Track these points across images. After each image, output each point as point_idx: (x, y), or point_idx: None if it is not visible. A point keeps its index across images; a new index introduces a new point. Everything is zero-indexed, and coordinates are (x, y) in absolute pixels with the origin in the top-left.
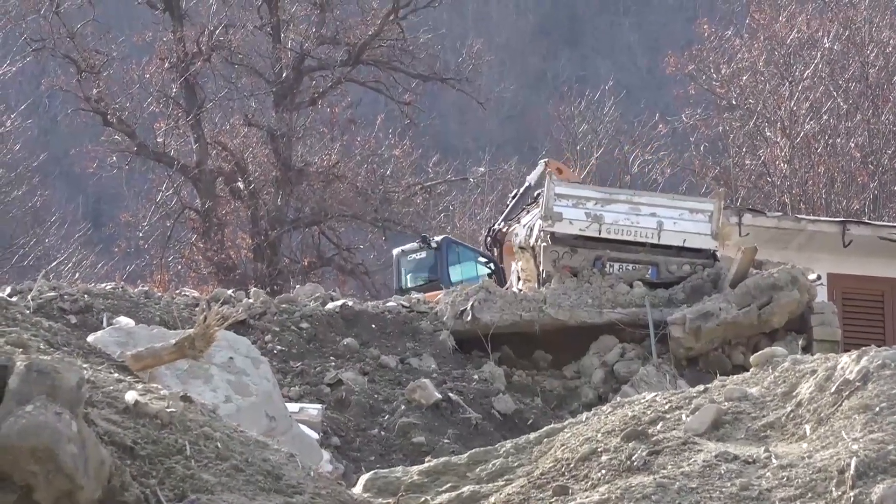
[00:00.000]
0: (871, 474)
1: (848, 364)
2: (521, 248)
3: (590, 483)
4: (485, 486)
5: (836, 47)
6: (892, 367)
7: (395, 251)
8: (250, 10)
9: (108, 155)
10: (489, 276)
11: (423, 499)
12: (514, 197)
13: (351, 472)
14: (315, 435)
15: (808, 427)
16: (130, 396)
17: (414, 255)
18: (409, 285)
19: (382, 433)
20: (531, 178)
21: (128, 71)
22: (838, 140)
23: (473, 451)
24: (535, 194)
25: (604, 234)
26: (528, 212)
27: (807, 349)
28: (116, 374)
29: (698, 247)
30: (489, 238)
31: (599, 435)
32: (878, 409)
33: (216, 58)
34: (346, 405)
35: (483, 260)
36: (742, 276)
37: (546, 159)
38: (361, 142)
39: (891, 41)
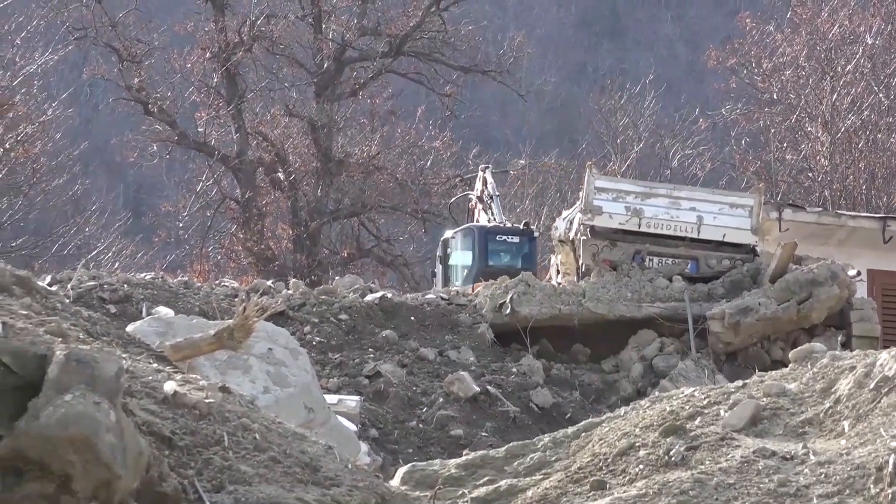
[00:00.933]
0: None
1: (887, 361)
2: (560, 241)
3: (627, 478)
4: (522, 479)
5: (878, 42)
6: None
7: (475, 226)
8: (292, 0)
9: (149, 144)
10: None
11: (460, 492)
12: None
13: (389, 464)
14: (353, 427)
15: (846, 424)
16: (169, 387)
17: (505, 237)
18: (495, 264)
19: (420, 426)
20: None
21: (169, 60)
22: (879, 136)
23: (511, 444)
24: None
25: (643, 229)
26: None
27: (846, 345)
28: (155, 365)
29: (738, 242)
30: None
31: (637, 430)
32: None
33: (257, 48)
34: (384, 397)
35: None
36: (782, 271)
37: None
38: (402, 133)
39: None
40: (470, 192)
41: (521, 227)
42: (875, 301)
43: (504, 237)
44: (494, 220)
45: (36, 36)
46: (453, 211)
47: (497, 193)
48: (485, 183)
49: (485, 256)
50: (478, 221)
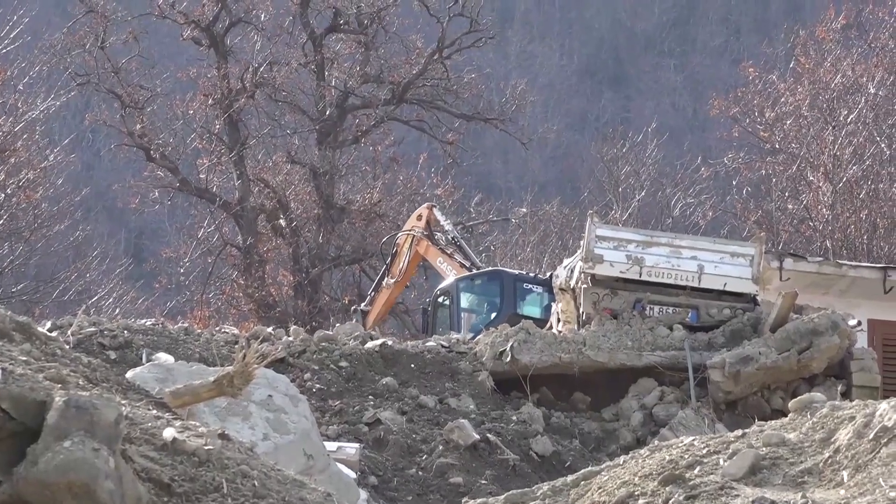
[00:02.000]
0: None
1: (887, 411)
2: (561, 289)
3: None
4: None
5: (880, 93)
6: None
7: (502, 272)
8: (294, 47)
9: (151, 190)
10: None
11: None
12: None
13: None
14: (353, 474)
15: (845, 474)
16: (168, 433)
17: (531, 287)
18: (522, 312)
19: (420, 473)
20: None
21: (171, 106)
22: (881, 185)
23: (511, 492)
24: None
25: (644, 277)
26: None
27: (846, 395)
28: (155, 411)
29: (739, 291)
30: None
31: (637, 478)
32: None
33: (260, 95)
34: (384, 444)
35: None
36: (782, 320)
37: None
38: (403, 180)
39: None
40: (401, 234)
41: (544, 277)
42: (875, 351)
43: (531, 286)
44: (466, 264)
45: (38, 81)
46: (384, 250)
47: (456, 234)
48: (434, 224)
49: (513, 303)
50: (442, 266)
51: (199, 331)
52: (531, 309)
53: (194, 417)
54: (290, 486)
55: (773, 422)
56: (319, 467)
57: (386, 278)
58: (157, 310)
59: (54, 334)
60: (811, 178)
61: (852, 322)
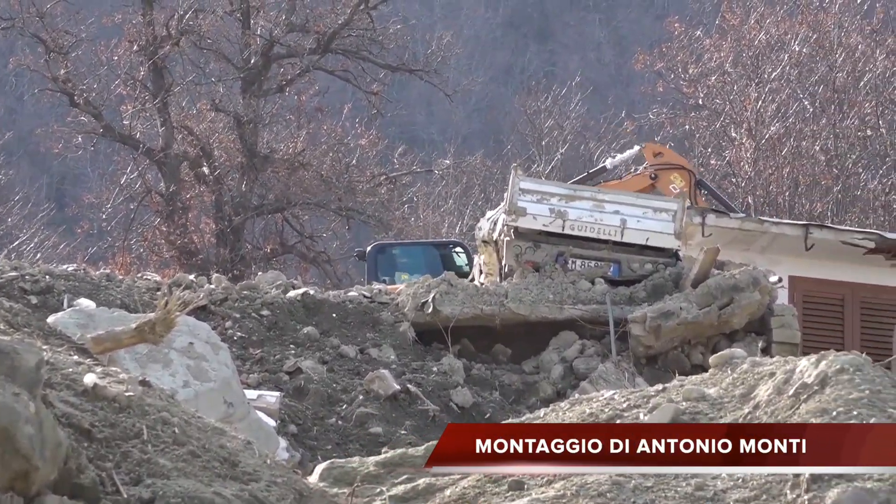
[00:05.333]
0: (826, 478)
1: (807, 367)
2: (484, 241)
3: (546, 479)
4: (441, 479)
5: (804, 50)
6: (850, 372)
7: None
8: None
9: (74, 136)
10: None
11: (378, 490)
12: (582, 176)
13: (307, 460)
14: (272, 423)
15: None
16: (89, 379)
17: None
18: None
19: (340, 423)
20: (612, 162)
21: (96, 52)
22: (803, 143)
23: (430, 443)
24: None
25: (567, 231)
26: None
27: (766, 351)
28: (76, 357)
29: (661, 246)
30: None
31: None
32: (835, 413)
33: (185, 42)
34: (304, 394)
35: None
36: (704, 276)
37: (644, 144)
38: (328, 130)
39: (859, 46)
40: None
41: None
42: (796, 308)
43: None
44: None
45: None
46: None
47: None
48: None
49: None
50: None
51: (121, 277)
52: None
53: (115, 364)
54: (211, 433)
55: (693, 377)
56: (239, 415)
57: None
58: (79, 255)
59: None
60: (734, 134)
61: (773, 278)
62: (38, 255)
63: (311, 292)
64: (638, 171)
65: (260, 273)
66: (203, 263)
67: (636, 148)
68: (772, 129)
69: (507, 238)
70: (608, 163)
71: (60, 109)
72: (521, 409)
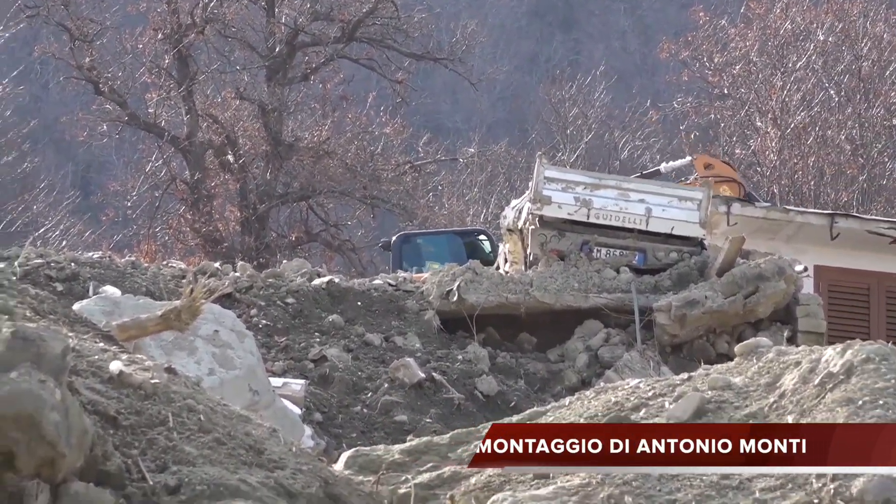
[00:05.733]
0: None
1: (832, 357)
2: (509, 230)
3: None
4: (466, 466)
5: (829, 39)
6: (875, 362)
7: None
8: None
9: (99, 124)
10: None
11: (403, 477)
12: (636, 176)
13: (332, 448)
14: (298, 410)
15: (790, 418)
16: (115, 366)
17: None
18: None
19: (365, 411)
20: (665, 167)
21: (121, 40)
22: (829, 132)
23: (455, 431)
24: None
25: (592, 219)
26: None
27: (791, 340)
28: (101, 344)
29: (686, 235)
30: None
31: (582, 420)
32: (860, 402)
33: (210, 30)
34: (329, 382)
35: None
36: (729, 265)
37: (695, 155)
38: (352, 119)
39: (884, 35)
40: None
41: None
42: (821, 297)
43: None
44: None
45: None
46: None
47: None
48: None
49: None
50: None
51: (147, 265)
52: None
53: (141, 351)
54: (236, 420)
55: (718, 365)
56: (265, 403)
57: None
58: (105, 243)
59: (1, 265)
60: (759, 123)
61: (799, 268)
62: (64, 243)
63: (336, 280)
64: (689, 181)
65: (285, 261)
66: (228, 251)
67: (688, 158)
68: (797, 118)
69: (532, 226)
70: (663, 167)
71: (85, 97)
72: (546, 397)
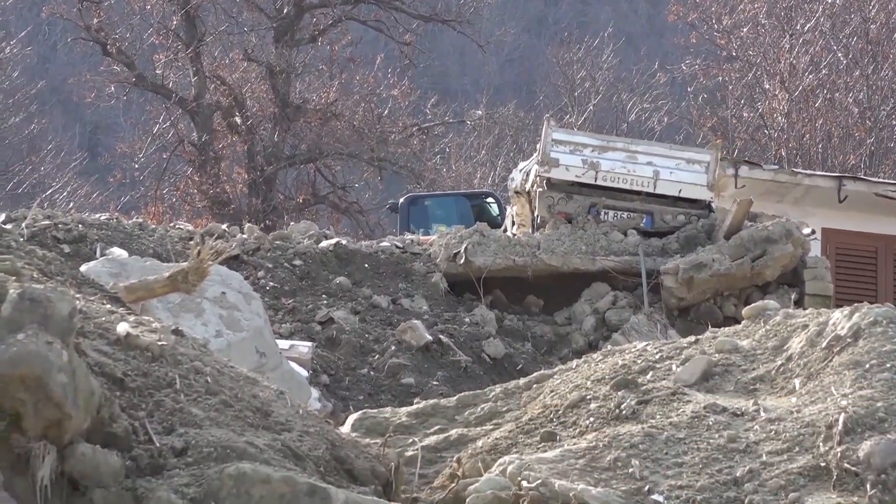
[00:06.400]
0: (859, 430)
1: (840, 320)
2: (516, 192)
3: (578, 430)
4: (473, 429)
5: (837, 2)
6: (883, 325)
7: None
8: None
9: (107, 85)
10: None
11: (410, 440)
12: None
13: (339, 410)
14: (305, 373)
15: (797, 381)
16: (122, 328)
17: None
18: None
19: (372, 373)
20: None
21: (129, 1)
22: (837, 95)
23: (462, 394)
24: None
25: (599, 182)
26: None
27: (799, 303)
28: (108, 306)
29: (694, 197)
30: None
31: (589, 382)
32: (868, 365)
33: None
34: (336, 344)
35: None
36: (736, 228)
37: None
38: (360, 81)
39: None
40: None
41: None
42: (829, 260)
43: None
44: None
45: None
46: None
47: None
48: None
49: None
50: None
51: (154, 226)
52: None
53: (148, 313)
54: (243, 383)
55: (725, 328)
56: (272, 365)
57: None
58: (112, 204)
59: (8, 227)
60: (767, 86)
61: (806, 230)
62: (71, 204)
63: (344, 242)
64: None
65: (292, 223)
66: (235, 213)
67: None
68: (805, 80)
69: (540, 189)
70: None
71: (93, 59)
72: (553, 360)
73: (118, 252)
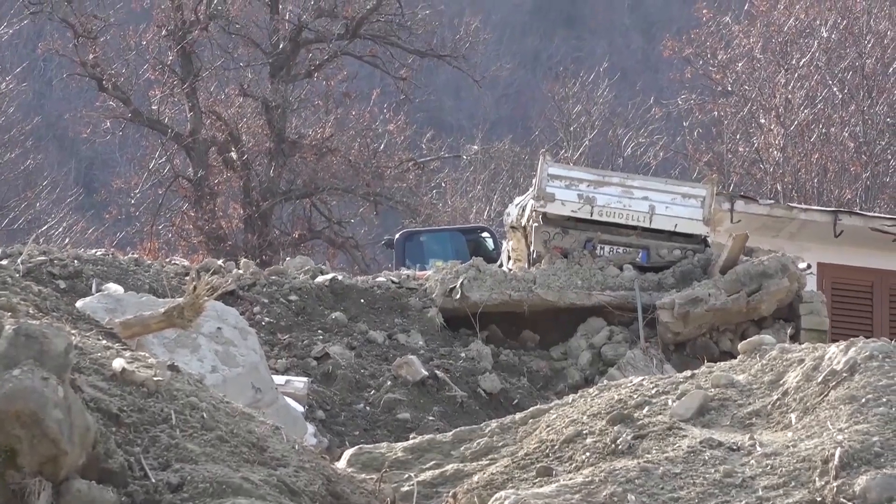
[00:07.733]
0: (855, 465)
1: (836, 354)
2: (512, 227)
3: (574, 465)
4: (469, 464)
5: (833, 36)
6: (879, 359)
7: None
8: None
9: (103, 120)
10: None
11: (406, 475)
12: None
13: (335, 446)
14: (300, 408)
15: (793, 416)
16: (118, 364)
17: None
18: None
19: (368, 408)
20: None
21: (125, 37)
22: (832, 129)
23: (458, 429)
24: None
25: (595, 217)
26: None
27: (795, 338)
28: (104, 341)
29: (689, 232)
30: None
31: (585, 417)
32: (864, 400)
33: (213, 27)
34: (332, 379)
35: None
36: (732, 262)
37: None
38: (356, 116)
39: (888, 32)
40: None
41: None
42: (824, 295)
43: None
44: None
45: None
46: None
47: None
48: None
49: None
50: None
51: (150, 262)
52: None
53: (143, 348)
54: (239, 418)
55: (721, 363)
56: (267, 401)
57: None
58: (107, 240)
59: (4, 263)
60: (763, 120)
61: (802, 265)
62: (67, 240)
63: (340, 278)
64: None
65: (288, 258)
66: (231, 249)
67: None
68: (801, 115)
69: (536, 224)
70: None
71: (89, 94)
72: (550, 395)
73: (114, 288)
